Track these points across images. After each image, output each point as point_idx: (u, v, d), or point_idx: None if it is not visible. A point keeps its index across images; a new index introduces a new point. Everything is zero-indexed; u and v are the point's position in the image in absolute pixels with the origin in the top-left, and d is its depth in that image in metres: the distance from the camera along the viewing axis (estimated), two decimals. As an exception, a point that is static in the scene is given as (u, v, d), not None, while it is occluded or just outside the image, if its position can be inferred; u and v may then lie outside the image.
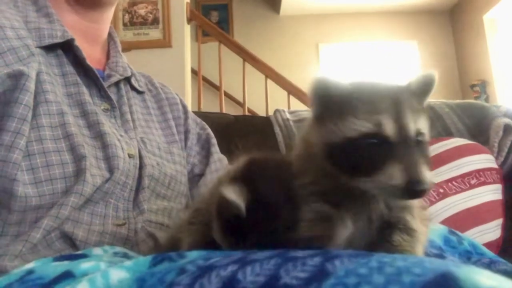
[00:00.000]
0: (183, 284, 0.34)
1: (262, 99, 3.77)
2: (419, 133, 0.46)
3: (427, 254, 0.72)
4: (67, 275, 0.46)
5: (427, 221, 0.56)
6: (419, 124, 0.46)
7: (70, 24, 0.83)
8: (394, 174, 0.42)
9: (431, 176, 0.43)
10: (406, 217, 0.50)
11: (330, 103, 0.47)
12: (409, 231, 0.49)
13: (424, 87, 0.50)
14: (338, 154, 0.46)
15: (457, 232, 0.83)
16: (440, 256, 0.71)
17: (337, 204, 0.48)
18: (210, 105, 4.36)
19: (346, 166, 0.46)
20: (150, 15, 3.66)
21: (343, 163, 0.46)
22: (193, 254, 0.43)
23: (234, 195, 0.45)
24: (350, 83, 0.49)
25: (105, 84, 0.82)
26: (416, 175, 0.42)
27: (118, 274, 0.41)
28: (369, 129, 0.45)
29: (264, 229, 0.45)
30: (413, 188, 0.42)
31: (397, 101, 0.46)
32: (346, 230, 0.48)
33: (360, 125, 0.45)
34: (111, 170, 0.74)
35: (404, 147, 0.44)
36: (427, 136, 0.47)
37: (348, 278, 0.29)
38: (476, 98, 4.95)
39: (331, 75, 0.49)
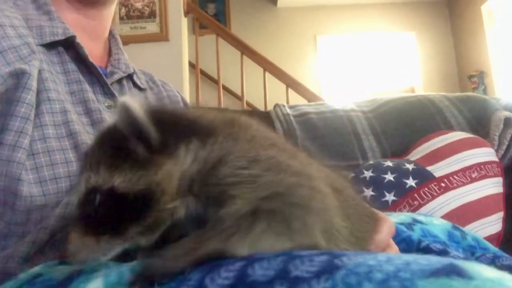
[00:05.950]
0: (194, 279, 0.35)
1: (261, 92, 3.76)
2: (92, 190, 0.36)
3: (432, 250, 0.73)
4: (78, 273, 0.45)
5: None
6: (93, 179, 0.35)
7: (71, 22, 0.82)
8: None
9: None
10: None
11: None
12: None
13: (134, 123, 0.38)
14: None
15: (460, 227, 0.84)
16: (445, 251, 0.72)
17: None
18: (208, 99, 4.35)
19: None
20: (147, 8, 3.63)
21: None
22: None
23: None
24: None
25: (108, 81, 0.81)
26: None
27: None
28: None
29: None
30: None
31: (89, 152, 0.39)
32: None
33: None
34: None
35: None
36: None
37: (358, 268, 0.31)
38: (474, 89, 4.96)
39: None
